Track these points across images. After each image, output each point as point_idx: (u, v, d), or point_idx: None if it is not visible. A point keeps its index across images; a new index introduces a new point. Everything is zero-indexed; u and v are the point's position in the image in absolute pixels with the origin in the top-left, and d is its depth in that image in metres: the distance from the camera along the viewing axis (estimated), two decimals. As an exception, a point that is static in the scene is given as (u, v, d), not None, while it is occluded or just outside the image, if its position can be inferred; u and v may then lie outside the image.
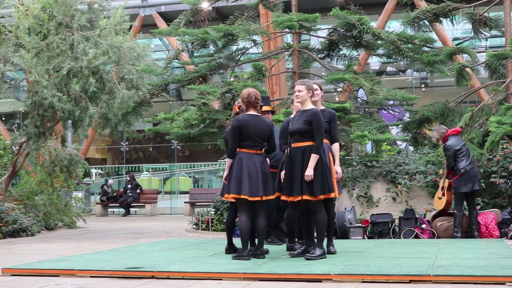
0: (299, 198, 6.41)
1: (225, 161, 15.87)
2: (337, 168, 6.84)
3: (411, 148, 13.02)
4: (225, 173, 6.82)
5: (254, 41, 12.56)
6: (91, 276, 5.89)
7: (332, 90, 21.27)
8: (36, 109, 12.24)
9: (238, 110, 7.04)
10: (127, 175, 22.59)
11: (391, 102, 12.62)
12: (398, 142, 13.63)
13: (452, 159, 9.30)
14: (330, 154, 6.79)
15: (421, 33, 12.49)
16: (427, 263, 5.92)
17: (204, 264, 6.20)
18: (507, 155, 10.19)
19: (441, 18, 12.20)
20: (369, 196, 10.85)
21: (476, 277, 5.14)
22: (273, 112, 8.37)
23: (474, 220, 9.32)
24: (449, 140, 9.44)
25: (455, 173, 9.32)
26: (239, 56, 13.59)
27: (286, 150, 6.77)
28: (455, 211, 9.32)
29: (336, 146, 6.94)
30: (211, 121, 12.52)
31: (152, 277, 5.72)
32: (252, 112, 6.75)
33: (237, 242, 7.00)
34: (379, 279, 5.25)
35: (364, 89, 12.43)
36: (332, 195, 6.56)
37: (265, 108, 7.74)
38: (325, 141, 6.73)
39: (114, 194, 21.67)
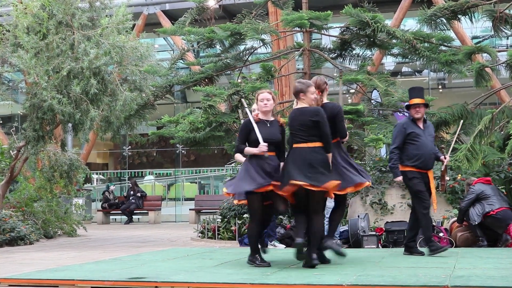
0: (301, 183, 6.19)
1: (231, 167, 15.74)
2: None
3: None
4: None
5: (262, 40, 12.45)
6: (92, 287, 5.94)
7: (344, 92, 21.15)
8: (35, 111, 12.35)
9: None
10: (129, 181, 22.56)
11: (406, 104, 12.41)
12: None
13: (467, 203, 9.18)
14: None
15: (438, 31, 12.29)
16: (445, 273, 5.87)
17: (210, 274, 6.24)
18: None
19: (459, 16, 11.96)
20: (384, 203, 10.81)
21: (497, 288, 5.12)
22: (426, 105, 7.78)
23: None
24: (475, 185, 9.39)
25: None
26: (247, 56, 13.58)
27: None
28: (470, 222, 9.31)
29: None
30: (217, 124, 12.46)
31: (156, 288, 5.80)
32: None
33: (245, 251, 7.14)
34: (394, 291, 5.29)
35: (378, 91, 12.36)
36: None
37: (417, 100, 7.47)
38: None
39: (116, 200, 21.76)
